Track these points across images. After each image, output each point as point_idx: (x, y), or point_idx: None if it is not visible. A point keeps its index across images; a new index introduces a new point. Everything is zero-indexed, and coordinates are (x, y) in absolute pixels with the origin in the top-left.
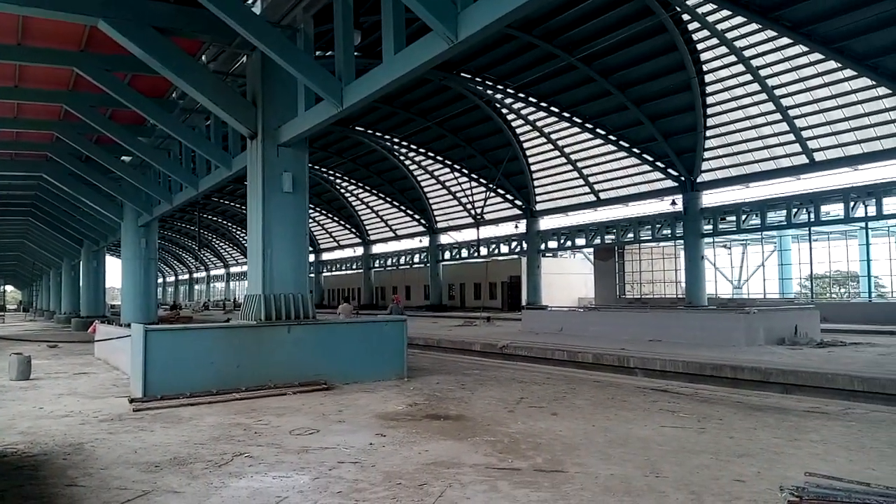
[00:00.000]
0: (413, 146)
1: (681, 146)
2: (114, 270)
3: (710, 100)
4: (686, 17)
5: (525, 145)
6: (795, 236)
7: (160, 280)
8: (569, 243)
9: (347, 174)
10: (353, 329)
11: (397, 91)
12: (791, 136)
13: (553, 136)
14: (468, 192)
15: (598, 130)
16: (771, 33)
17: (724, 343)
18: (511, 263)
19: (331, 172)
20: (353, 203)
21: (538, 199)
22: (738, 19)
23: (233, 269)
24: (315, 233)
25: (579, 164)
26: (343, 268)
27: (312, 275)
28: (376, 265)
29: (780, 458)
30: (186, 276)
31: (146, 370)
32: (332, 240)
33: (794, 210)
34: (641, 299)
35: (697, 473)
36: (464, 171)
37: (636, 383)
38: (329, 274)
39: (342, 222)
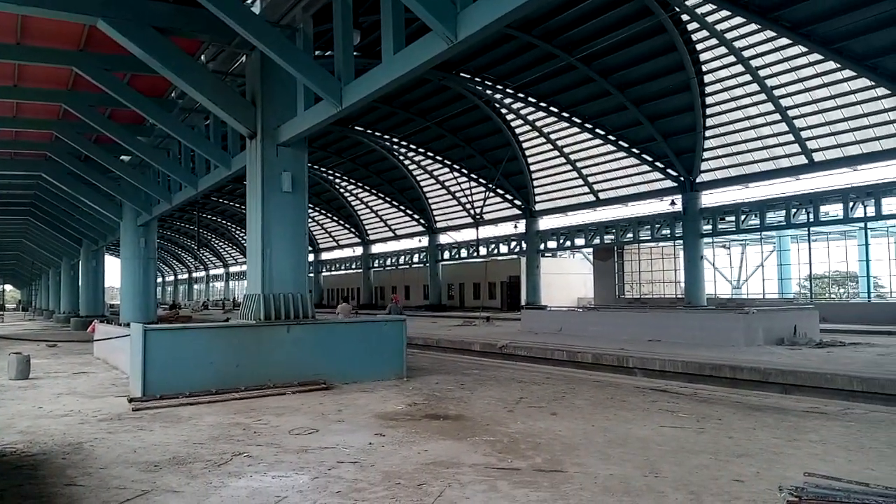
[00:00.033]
0: (412, 146)
1: (680, 146)
2: (113, 270)
3: (709, 100)
4: (685, 17)
5: (524, 145)
6: (795, 236)
7: (159, 280)
8: (568, 243)
9: (347, 174)
10: (352, 329)
11: (397, 91)
12: (790, 137)
13: (552, 136)
14: (467, 192)
15: (597, 130)
16: (770, 34)
17: (723, 343)
18: (510, 263)
19: (330, 172)
20: (353, 203)
21: (537, 199)
22: (738, 20)
23: (232, 269)
24: (314, 232)
25: (579, 164)
26: (342, 267)
27: (312, 274)
28: (376, 265)
29: (779, 458)
30: (186, 276)
31: (145, 370)
32: (331, 239)
33: (794, 210)
34: (641, 299)
35: (696, 473)
36: (463, 170)
37: (635, 383)
38: (328, 274)
39: (341, 222)
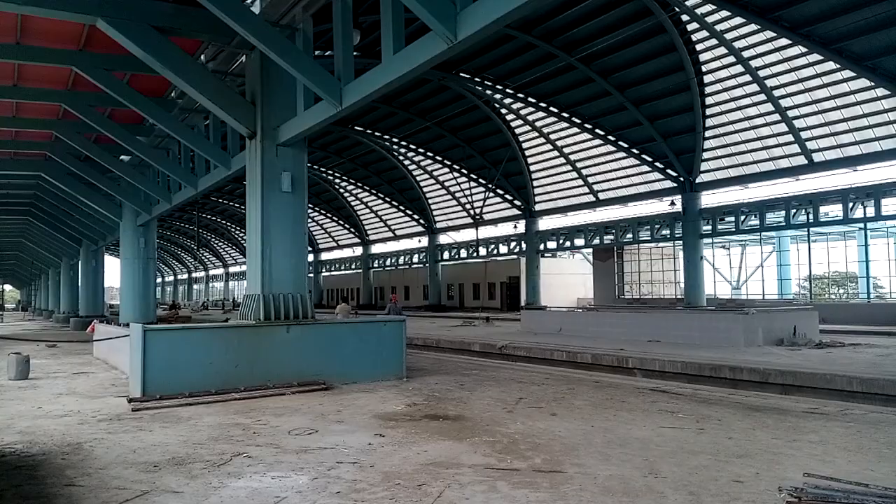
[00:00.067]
0: (412, 146)
1: (680, 147)
2: (112, 270)
3: (709, 100)
4: (685, 17)
5: (524, 145)
6: (794, 237)
7: (159, 280)
8: (568, 244)
9: (346, 174)
10: (351, 329)
11: (396, 91)
12: (790, 137)
13: (552, 137)
14: (467, 193)
15: (597, 131)
16: (770, 34)
17: (722, 344)
18: (510, 264)
19: (330, 172)
20: (352, 203)
21: (537, 199)
22: (737, 20)
23: (232, 269)
24: (314, 233)
25: (578, 165)
26: (342, 268)
27: (311, 275)
28: (375, 265)
29: (779, 459)
30: (185, 276)
31: (145, 370)
32: (331, 240)
33: (793, 211)
34: (640, 300)
35: (696, 474)
36: (463, 171)
37: (635, 384)
38: (328, 274)
39: (341, 222)
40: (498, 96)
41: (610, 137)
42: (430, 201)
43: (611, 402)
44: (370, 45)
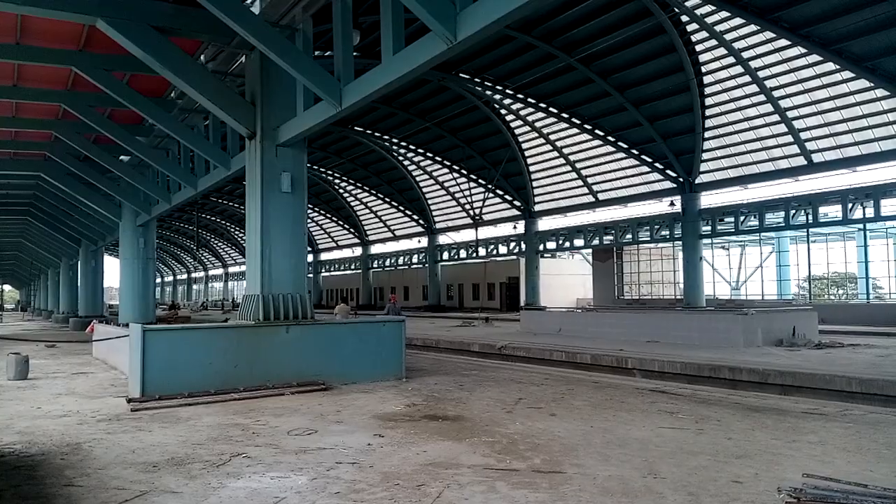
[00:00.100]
0: (412, 146)
1: (679, 147)
2: (112, 270)
3: (708, 101)
4: (685, 18)
5: (524, 146)
6: (794, 238)
7: (158, 280)
8: (567, 244)
9: (346, 174)
10: (351, 329)
11: (396, 91)
12: (789, 138)
13: (552, 137)
14: (467, 193)
15: (596, 131)
16: (769, 35)
17: (722, 344)
18: (509, 264)
19: (329, 172)
20: (352, 203)
21: (537, 199)
22: (737, 21)
23: (231, 269)
24: (313, 233)
25: (578, 165)
26: (342, 268)
27: (311, 275)
28: (375, 265)
29: (778, 460)
30: (185, 276)
31: (144, 370)
32: (330, 240)
33: (793, 211)
34: (640, 300)
35: (695, 474)
36: (462, 171)
37: (634, 384)
38: (328, 274)
39: (341, 222)
40: (498, 97)
41: (610, 138)
42: (429, 202)
43: (610, 403)
44: (370, 45)
